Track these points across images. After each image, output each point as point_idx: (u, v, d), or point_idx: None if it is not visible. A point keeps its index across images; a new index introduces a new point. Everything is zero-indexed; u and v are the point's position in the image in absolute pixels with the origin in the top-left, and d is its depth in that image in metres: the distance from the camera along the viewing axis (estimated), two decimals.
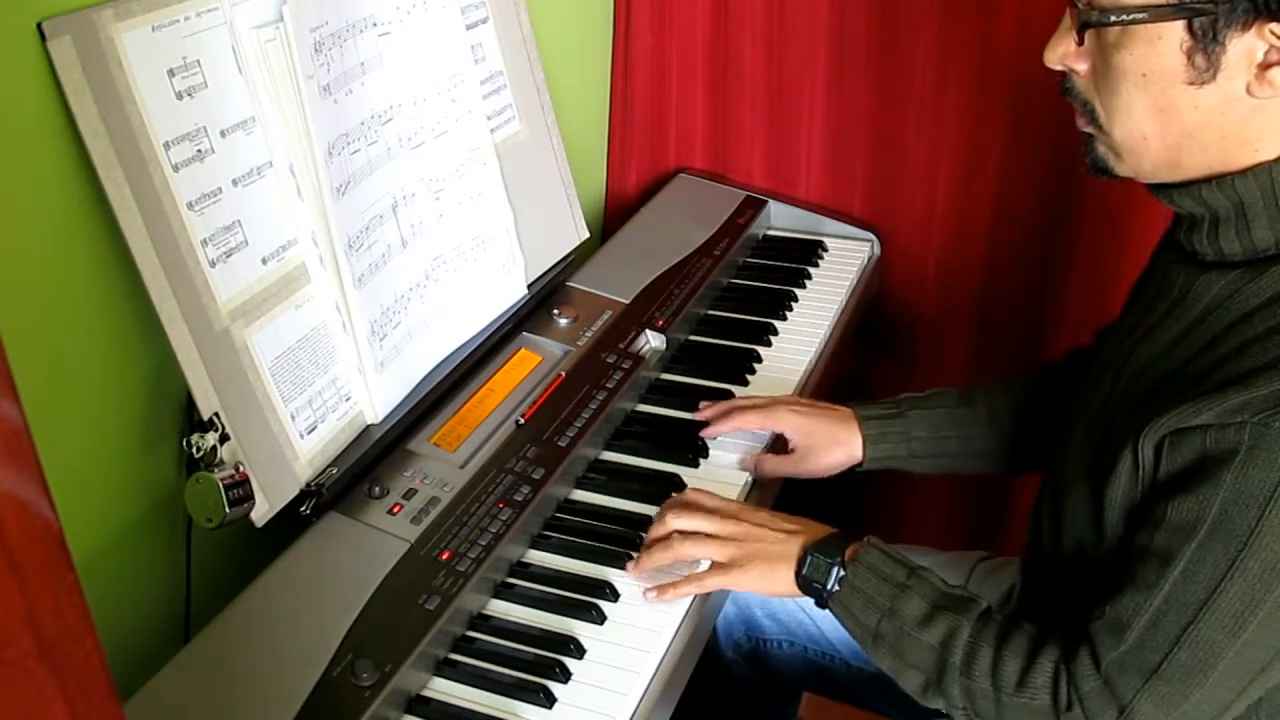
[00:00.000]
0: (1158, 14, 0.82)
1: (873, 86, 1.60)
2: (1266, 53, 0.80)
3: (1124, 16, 0.83)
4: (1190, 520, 0.82)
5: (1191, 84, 0.83)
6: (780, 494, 1.26)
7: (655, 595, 1.03)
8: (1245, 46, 0.80)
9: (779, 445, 1.24)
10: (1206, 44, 0.81)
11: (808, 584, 1.00)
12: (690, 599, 1.04)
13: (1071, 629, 0.90)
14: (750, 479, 1.21)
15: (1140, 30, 0.83)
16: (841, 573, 0.98)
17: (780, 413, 1.21)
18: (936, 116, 1.58)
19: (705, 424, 1.25)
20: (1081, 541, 0.94)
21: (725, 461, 1.23)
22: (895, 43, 1.56)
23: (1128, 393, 0.92)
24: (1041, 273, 1.61)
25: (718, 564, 1.03)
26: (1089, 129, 0.92)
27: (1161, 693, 0.84)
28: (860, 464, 1.21)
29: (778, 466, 1.21)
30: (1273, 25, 0.79)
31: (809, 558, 1.00)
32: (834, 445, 1.20)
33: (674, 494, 1.16)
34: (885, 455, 1.21)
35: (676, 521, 1.06)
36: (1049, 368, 1.24)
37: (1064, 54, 0.90)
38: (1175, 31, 0.82)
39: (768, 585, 1.02)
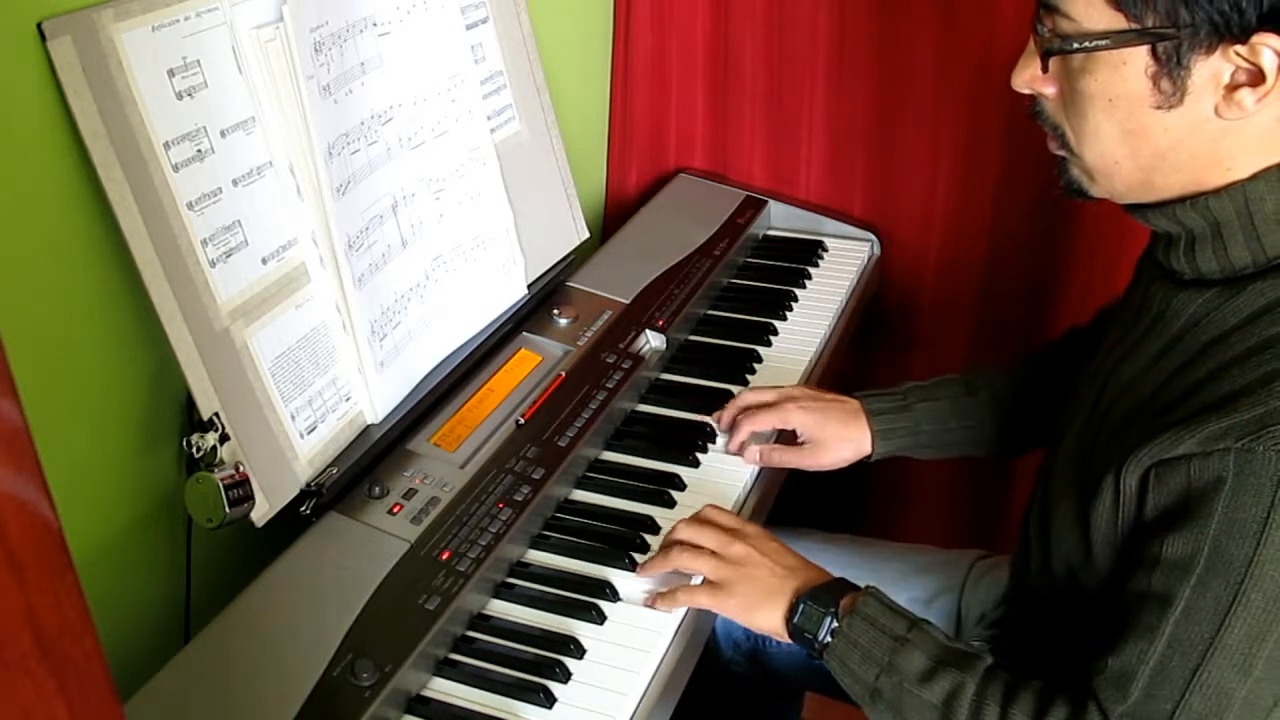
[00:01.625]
0: (1120, 40, 0.81)
1: (873, 87, 1.60)
2: (1233, 74, 0.79)
3: (1086, 43, 0.83)
4: (1185, 558, 0.80)
5: (1159, 107, 0.82)
6: (781, 490, 1.26)
7: (651, 601, 1.03)
8: (1211, 69, 0.80)
9: (787, 435, 1.25)
10: (1171, 68, 0.80)
11: (798, 633, 0.97)
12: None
13: (1078, 683, 0.86)
14: (751, 480, 1.21)
15: (1104, 56, 0.82)
16: (834, 624, 0.95)
17: (790, 411, 1.22)
18: (936, 117, 1.58)
19: (712, 427, 1.26)
20: (1069, 556, 0.94)
21: (728, 461, 1.23)
22: (895, 43, 1.56)
23: (1110, 411, 0.92)
24: (1041, 272, 1.62)
25: (708, 582, 1.02)
26: (1061, 152, 0.91)
27: None
28: (869, 457, 1.23)
29: (786, 459, 1.22)
30: (1236, 47, 0.78)
31: (801, 605, 0.97)
32: (843, 441, 1.21)
33: (673, 493, 1.17)
34: (893, 449, 1.22)
35: (684, 533, 1.05)
36: (1049, 347, 1.26)
37: (1030, 78, 0.89)
38: (1139, 56, 0.81)
39: (749, 617, 1.00)
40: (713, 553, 1.03)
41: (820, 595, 0.97)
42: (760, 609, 0.99)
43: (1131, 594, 0.84)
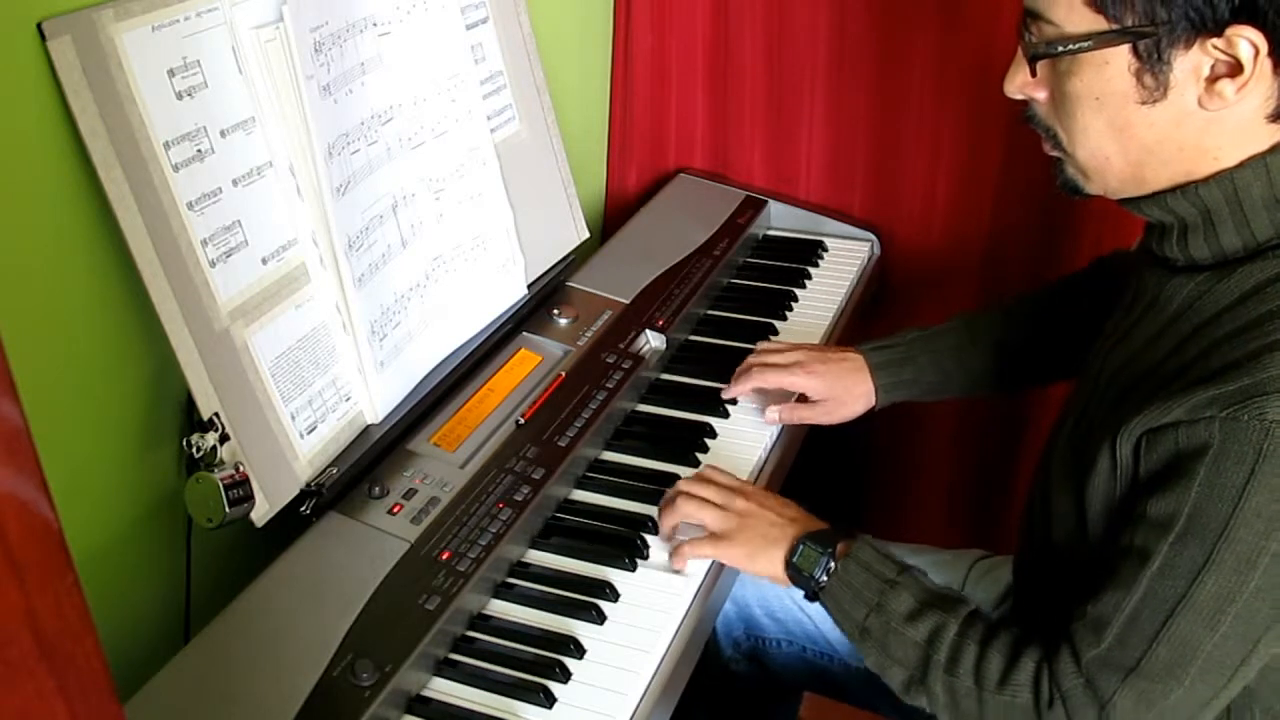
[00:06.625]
0: (1102, 41, 0.84)
1: (873, 86, 1.60)
2: (1213, 66, 0.82)
3: (1070, 46, 0.86)
4: (1166, 516, 0.83)
5: (1144, 103, 0.85)
6: (782, 490, 1.26)
7: (674, 563, 1.07)
8: (1191, 63, 0.83)
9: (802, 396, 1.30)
10: (1153, 64, 0.83)
11: (797, 573, 1.02)
12: (692, 595, 1.05)
13: (1055, 628, 0.91)
14: (759, 463, 1.23)
15: (1088, 57, 0.86)
16: (831, 565, 1.00)
17: (797, 375, 1.27)
18: (937, 116, 1.58)
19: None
20: (1068, 540, 0.96)
21: (728, 459, 1.23)
22: (895, 42, 1.56)
23: (1106, 393, 0.94)
24: (1042, 272, 1.61)
25: (712, 533, 1.06)
26: (1055, 153, 0.94)
27: (1141, 689, 0.85)
28: (874, 408, 1.28)
29: (804, 416, 1.28)
30: (1213, 40, 0.81)
31: (800, 547, 1.02)
32: (851, 397, 1.27)
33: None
34: (897, 399, 1.28)
35: (687, 487, 1.10)
36: (1044, 294, 1.29)
37: (1021, 84, 0.93)
38: (1122, 55, 0.84)
39: (752, 564, 1.05)
40: (716, 505, 1.07)
41: (819, 538, 1.02)
42: (762, 555, 1.04)
43: (1115, 548, 0.88)
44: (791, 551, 1.02)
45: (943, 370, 1.26)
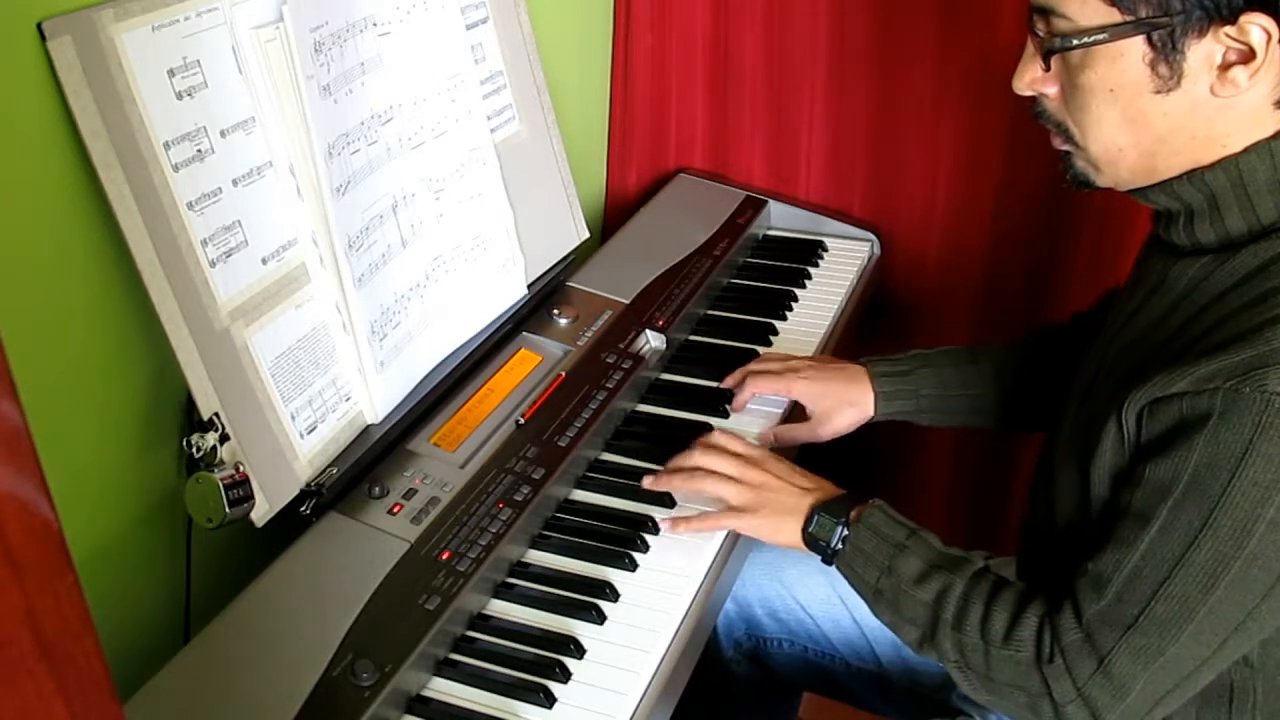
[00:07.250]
0: (1117, 32, 0.85)
1: (873, 86, 1.60)
2: (1225, 54, 0.84)
3: (1085, 39, 0.87)
4: (1166, 481, 0.85)
5: (1158, 92, 0.87)
6: None
7: (670, 526, 1.08)
8: (1204, 51, 0.84)
9: (797, 411, 1.29)
10: (1167, 54, 0.85)
11: (814, 541, 1.04)
12: (692, 595, 1.05)
13: (1059, 585, 0.93)
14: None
15: (1102, 49, 0.87)
16: (845, 532, 1.02)
17: (793, 382, 1.27)
18: (936, 116, 1.58)
19: (730, 392, 1.31)
20: (1071, 528, 0.97)
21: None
22: (895, 42, 1.56)
23: (1111, 375, 0.95)
24: (1042, 273, 1.62)
25: (731, 506, 1.07)
26: (1065, 147, 0.95)
27: (1139, 645, 0.86)
28: (872, 419, 1.27)
29: (796, 434, 1.26)
30: (1226, 28, 0.82)
31: (816, 516, 1.04)
32: (847, 406, 1.25)
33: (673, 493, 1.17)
34: (895, 411, 1.26)
35: (703, 459, 1.11)
36: (1051, 330, 1.28)
37: (1031, 80, 0.93)
38: (1136, 46, 0.85)
39: (774, 535, 1.06)
40: (731, 478, 1.08)
41: (832, 507, 1.04)
42: (782, 527, 1.06)
43: (1117, 509, 0.89)
44: (808, 521, 1.04)
45: (943, 385, 1.25)
